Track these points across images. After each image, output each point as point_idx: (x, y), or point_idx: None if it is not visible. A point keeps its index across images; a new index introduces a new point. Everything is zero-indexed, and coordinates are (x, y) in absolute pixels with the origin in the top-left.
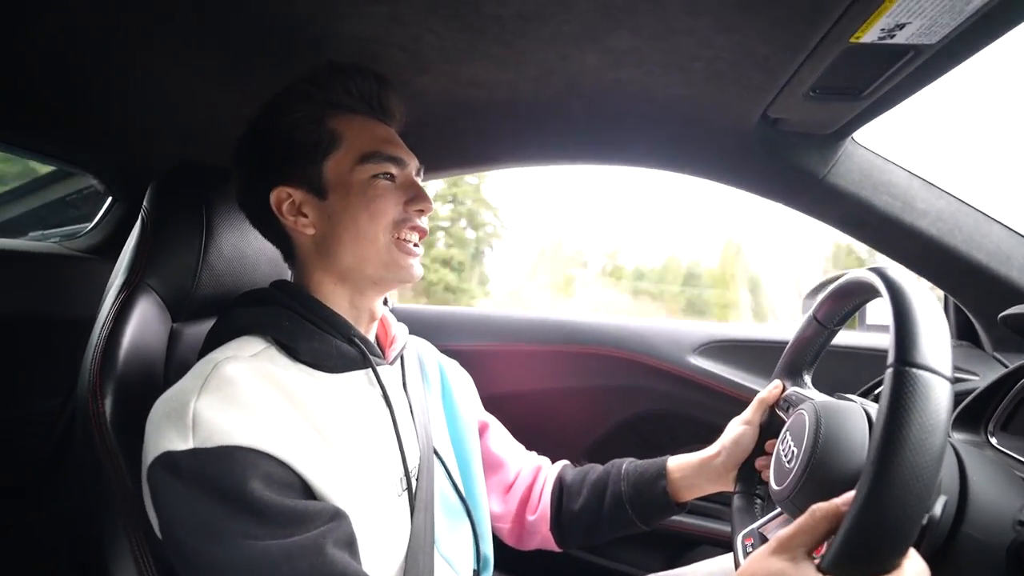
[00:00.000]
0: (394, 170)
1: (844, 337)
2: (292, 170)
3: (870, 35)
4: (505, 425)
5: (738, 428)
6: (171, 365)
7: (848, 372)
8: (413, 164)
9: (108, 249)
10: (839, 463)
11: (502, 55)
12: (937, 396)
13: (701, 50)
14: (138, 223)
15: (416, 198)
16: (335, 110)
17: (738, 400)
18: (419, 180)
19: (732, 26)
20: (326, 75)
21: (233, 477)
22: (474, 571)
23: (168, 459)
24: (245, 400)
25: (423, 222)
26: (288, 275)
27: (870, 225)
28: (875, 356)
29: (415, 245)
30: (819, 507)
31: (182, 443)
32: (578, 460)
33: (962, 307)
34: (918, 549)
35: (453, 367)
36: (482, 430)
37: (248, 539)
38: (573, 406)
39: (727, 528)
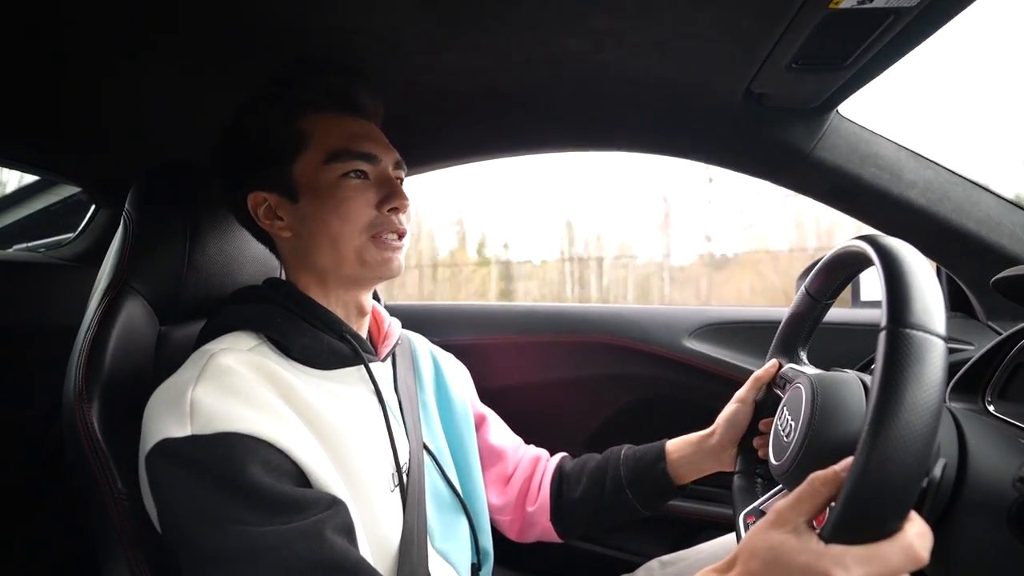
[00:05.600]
0: (365, 167)
1: (840, 315)
2: (264, 174)
3: (848, 0)
4: (502, 419)
5: (732, 406)
6: (160, 367)
7: (845, 349)
8: (389, 158)
9: (94, 257)
10: (837, 432)
11: (483, 42)
12: (931, 355)
13: (680, 26)
14: (120, 226)
15: (389, 196)
16: (304, 110)
17: (736, 382)
18: (400, 174)
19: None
20: (292, 74)
21: (231, 463)
22: (473, 565)
23: (166, 446)
24: (242, 388)
25: (401, 221)
26: (277, 274)
27: (859, 198)
28: (871, 332)
29: (396, 240)
30: (817, 475)
31: (180, 430)
32: (577, 451)
33: (955, 277)
34: (920, 513)
35: (448, 360)
36: (479, 423)
37: (247, 524)
38: (570, 397)
39: (730, 511)
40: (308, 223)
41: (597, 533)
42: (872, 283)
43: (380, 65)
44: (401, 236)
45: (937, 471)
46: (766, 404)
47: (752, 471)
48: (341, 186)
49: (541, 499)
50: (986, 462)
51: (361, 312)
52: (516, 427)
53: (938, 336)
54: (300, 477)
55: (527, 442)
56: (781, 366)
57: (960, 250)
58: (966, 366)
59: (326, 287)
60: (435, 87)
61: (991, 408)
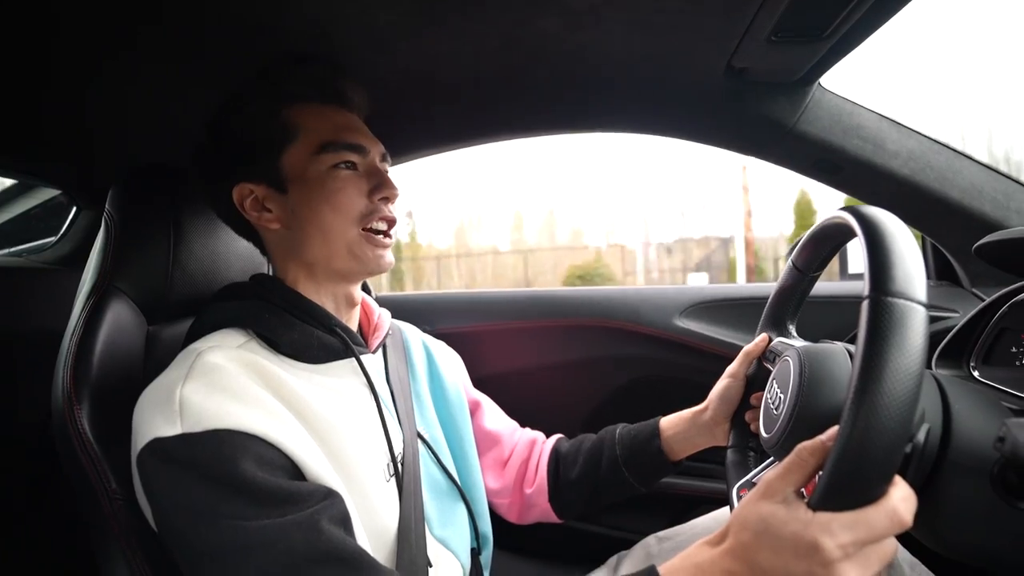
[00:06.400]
0: (355, 158)
1: (829, 287)
2: (251, 166)
3: None
4: (498, 405)
5: (723, 381)
6: (149, 368)
7: (834, 321)
8: (376, 150)
9: (78, 259)
10: (824, 403)
11: (460, 26)
12: (912, 321)
13: (657, 2)
14: (102, 228)
15: (380, 186)
16: (290, 101)
17: (727, 358)
18: (385, 166)
19: None
20: (279, 66)
21: (223, 459)
22: (473, 550)
23: (157, 445)
24: (231, 385)
25: (391, 210)
26: (264, 270)
27: (843, 170)
28: (859, 304)
29: (385, 235)
30: (804, 445)
31: (170, 429)
32: (573, 433)
33: (939, 246)
34: (905, 478)
35: (440, 348)
36: (474, 409)
37: (242, 520)
38: (564, 380)
39: (724, 486)
40: (298, 214)
41: (594, 512)
42: (860, 255)
43: (358, 54)
44: (391, 225)
45: (921, 436)
46: (757, 378)
47: (745, 445)
48: (332, 176)
49: (539, 481)
50: (969, 425)
51: (351, 303)
52: (512, 412)
53: (919, 303)
54: (294, 471)
55: (523, 426)
56: (771, 340)
57: (944, 218)
58: (951, 333)
59: (316, 279)
60: (414, 74)
61: (976, 373)
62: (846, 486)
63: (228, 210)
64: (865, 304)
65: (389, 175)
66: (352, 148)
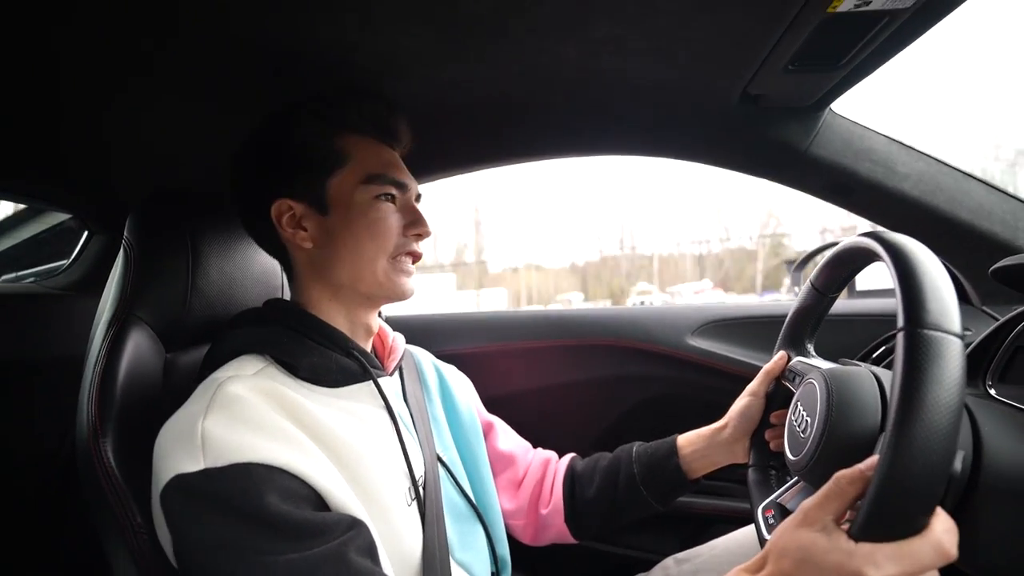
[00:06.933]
0: (395, 192)
1: (839, 306)
2: (296, 183)
3: (846, 4)
4: (511, 426)
5: (744, 400)
6: (168, 396)
7: (846, 338)
8: (414, 189)
9: (89, 284)
10: (854, 428)
11: (481, 53)
12: (950, 355)
13: (679, 32)
14: (120, 255)
15: (415, 223)
16: (345, 130)
17: (742, 377)
18: (419, 204)
19: (709, 5)
20: (339, 96)
21: (248, 494)
22: (492, 574)
23: (180, 482)
24: (252, 417)
25: (419, 247)
26: (279, 294)
27: (855, 192)
28: (870, 321)
29: (411, 265)
30: (843, 474)
31: (193, 465)
32: (586, 454)
33: (949, 265)
34: (942, 506)
35: (451, 371)
36: (487, 431)
37: (269, 555)
38: (575, 400)
39: (741, 505)
40: (335, 237)
41: (610, 532)
42: (869, 274)
43: (380, 80)
44: (415, 260)
45: (958, 464)
46: (776, 397)
47: (766, 464)
48: (375, 207)
49: (554, 501)
50: (1000, 447)
51: (368, 329)
52: (525, 433)
53: (955, 335)
54: (318, 501)
55: (536, 447)
56: (790, 359)
57: (954, 239)
58: (967, 351)
59: (338, 301)
60: (434, 99)
61: (992, 392)
62: (888, 518)
63: (260, 223)
64: (900, 337)
65: (423, 215)
66: (395, 184)
